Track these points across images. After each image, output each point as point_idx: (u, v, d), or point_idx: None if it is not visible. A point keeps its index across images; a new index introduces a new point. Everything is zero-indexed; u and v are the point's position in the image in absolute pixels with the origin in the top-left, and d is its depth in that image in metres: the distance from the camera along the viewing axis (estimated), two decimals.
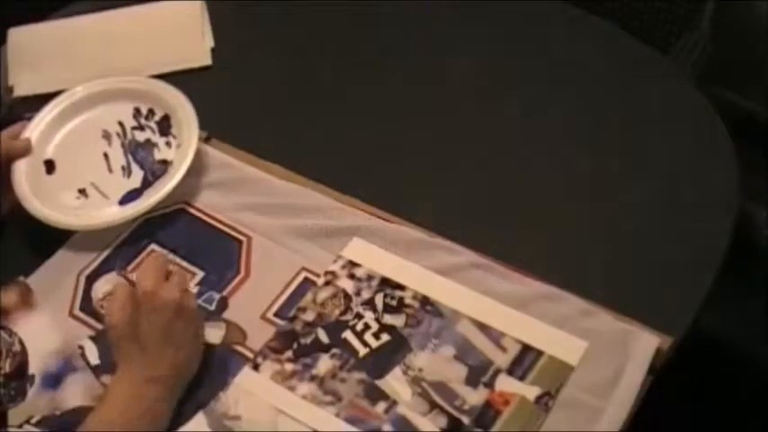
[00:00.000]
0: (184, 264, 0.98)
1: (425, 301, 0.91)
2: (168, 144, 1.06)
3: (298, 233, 0.98)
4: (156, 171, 1.04)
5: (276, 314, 0.93)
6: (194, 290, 0.95)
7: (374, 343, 0.89)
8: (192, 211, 1.03)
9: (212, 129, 1.13)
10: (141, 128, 1.08)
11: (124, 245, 1.01)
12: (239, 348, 0.91)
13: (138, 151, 1.06)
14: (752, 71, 1.40)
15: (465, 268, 0.93)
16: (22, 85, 1.20)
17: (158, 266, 0.89)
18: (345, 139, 1.09)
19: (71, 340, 0.93)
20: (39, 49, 1.25)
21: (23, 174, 1.03)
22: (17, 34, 1.26)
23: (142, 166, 1.05)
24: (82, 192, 1.04)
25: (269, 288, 0.95)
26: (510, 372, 0.85)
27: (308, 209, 1.00)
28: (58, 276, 0.99)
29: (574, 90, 1.10)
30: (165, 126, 1.07)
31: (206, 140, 1.08)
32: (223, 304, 0.95)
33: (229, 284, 0.96)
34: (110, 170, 1.06)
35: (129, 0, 1.27)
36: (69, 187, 1.04)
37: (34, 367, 0.92)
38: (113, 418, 0.82)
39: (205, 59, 1.21)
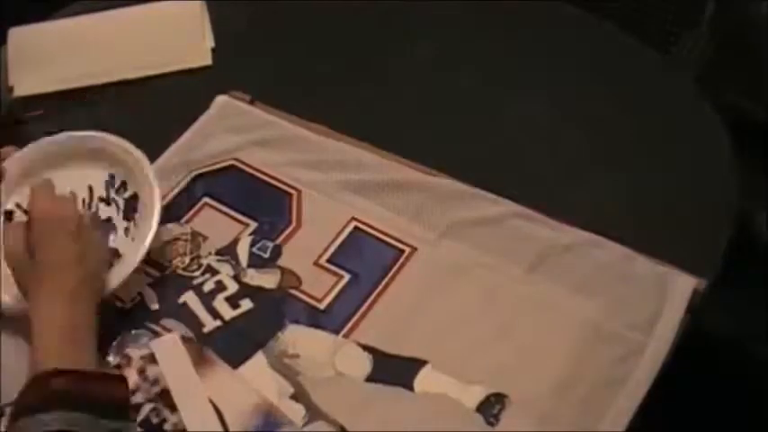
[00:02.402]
0: (237, 215, 1.01)
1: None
2: (126, 230, 0.98)
3: (345, 186, 1.02)
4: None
5: (328, 260, 0.96)
6: (248, 239, 0.99)
7: None
8: (242, 166, 1.06)
9: None
10: (108, 202, 1.01)
11: (179, 197, 1.04)
12: (295, 292, 0.94)
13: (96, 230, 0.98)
14: (752, 71, 1.40)
15: (508, 217, 0.97)
16: (22, 85, 1.20)
17: (48, 188, 0.89)
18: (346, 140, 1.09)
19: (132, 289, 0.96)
20: (39, 49, 1.25)
21: None
22: (17, 34, 1.26)
23: None
24: None
25: (320, 237, 0.98)
26: None
27: (354, 164, 1.04)
28: None
29: (574, 90, 1.10)
30: (130, 208, 0.99)
31: (250, 102, 1.12)
32: (277, 252, 0.98)
33: (282, 234, 0.99)
34: None
35: (129, 0, 1.27)
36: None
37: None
38: (55, 344, 0.80)
39: (205, 59, 1.21)
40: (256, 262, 0.97)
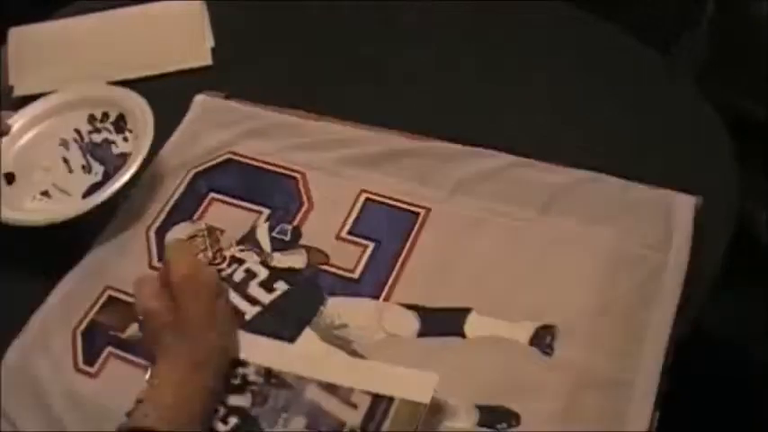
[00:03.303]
0: (248, 205, 1.03)
1: (269, 374, 0.87)
2: (126, 140, 1.07)
3: (346, 163, 1.04)
4: (117, 164, 1.04)
5: (349, 233, 0.98)
6: (265, 225, 1.00)
7: (223, 428, 0.84)
8: (239, 158, 1.07)
9: None
10: (97, 131, 1.09)
11: (183, 198, 1.05)
12: (325, 267, 0.96)
13: (96, 151, 1.07)
14: (752, 71, 1.40)
15: (509, 168, 1.00)
16: (22, 85, 1.20)
17: (187, 252, 0.90)
18: None
19: None
20: (39, 49, 1.25)
21: None
22: (17, 34, 1.26)
23: (102, 162, 1.06)
24: (44, 194, 1.05)
25: (335, 213, 1.00)
26: (363, 429, 0.82)
27: (349, 140, 1.06)
28: (126, 235, 1.02)
29: (574, 90, 1.10)
30: (120, 125, 1.08)
31: (225, 98, 1.14)
32: (297, 234, 0.99)
33: (297, 216, 1.01)
34: (70, 171, 1.06)
35: (129, 0, 1.27)
36: (31, 192, 1.05)
37: None
38: (167, 403, 0.80)
39: (205, 59, 1.21)
40: (279, 246, 0.98)
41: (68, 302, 0.97)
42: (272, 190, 1.04)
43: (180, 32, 1.25)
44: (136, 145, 1.04)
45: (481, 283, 0.92)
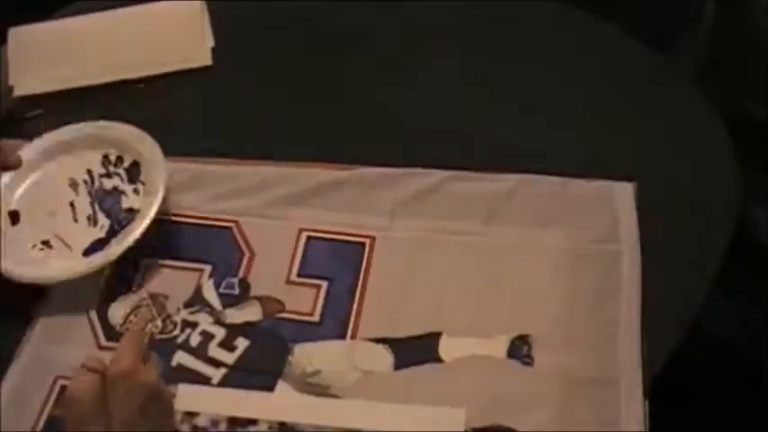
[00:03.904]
0: (187, 264, 0.99)
1: (283, 427, 0.85)
2: (136, 191, 1.03)
3: (278, 203, 1.01)
4: (122, 220, 1.01)
5: (299, 274, 0.96)
6: (210, 283, 0.96)
7: None
8: (169, 217, 1.02)
9: (212, 128, 1.13)
10: (109, 175, 1.06)
11: (118, 270, 0.99)
12: (282, 315, 0.94)
13: (105, 200, 1.04)
14: (752, 71, 1.40)
15: (441, 184, 1.00)
16: (22, 85, 1.20)
17: (136, 345, 0.82)
18: (346, 139, 1.09)
19: None
20: (39, 48, 1.25)
21: None
22: (17, 34, 1.26)
23: (108, 215, 1.02)
24: (45, 243, 1.01)
25: (279, 256, 0.97)
26: None
27: (274, 181, 1.03)
28: (65, 320, 0.96)
29: (573, 90, 1.10)
30: (133, 173, 1.05)
31: None
32: (245, 285, 0.96)
33: (241, 266, 0.98)
34: (75, 220, 1.03)
35: (130, 0, 1.27)
36: (32, 239, 1.01)
37: None
38: None
39: (205, 59, 1.21)
40: (230, 301, 0.95)
41: (19, 403, 0.90)
42: (208, 244, 0.99)
43: (180, 32, 1.25)
44: (145, 204, 1.00)
45: (444, 304, 0.91)
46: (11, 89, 1.20)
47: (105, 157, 1.07)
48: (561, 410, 0.82)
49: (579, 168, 1.02)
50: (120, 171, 1.06)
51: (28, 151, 1.06)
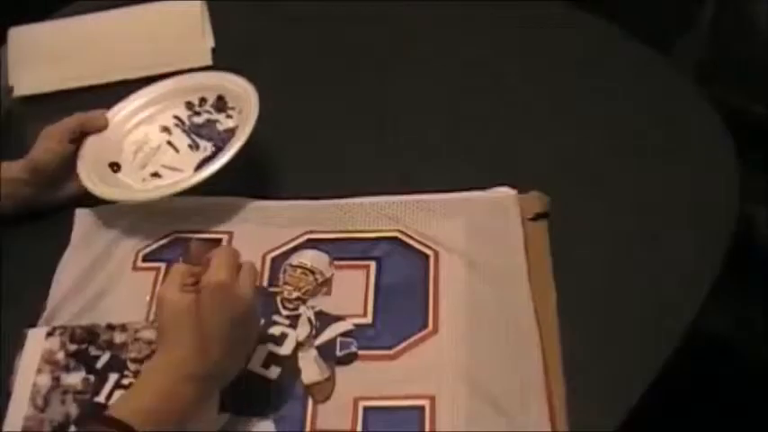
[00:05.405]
0: None
1: None
2: (229, 116, 1.06)
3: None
4: (224, 139, 1.03)
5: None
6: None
7: None
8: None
9: None
10: (198, 114, 1.08)
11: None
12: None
13: (201, 130, 1.06)
14: (752, 71, 1.40)
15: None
16: (22, 85, 1.20)
17: (232, 259, 0.82)
18: (346, 140, 1.09)
19: None
20: (39, 49, 1.25)
21: (89, 171, 1.01)
22: (17, 34, 1.26)
23: (210, 139, 1.05)
24: (155, 175, 1.03)
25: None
26: None
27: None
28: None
29: (574, 90, 1.10)
30: (221, 105, 1.07)
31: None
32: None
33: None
34: (177, 151, 1.05)
35: (129, 0, 1.27)
36: (140, 175, 1.03)
37: None
38: (143, 406, 0.77)
39: (205, 59, 1.21)
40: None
41: None
42: None
43: (180, 32, 1.25)
44: (241, 118, 1.02)
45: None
46: (11, 89, 1.20)
47: (188, 103, 1.08)
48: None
49: (576, 167, 1.02)
50: (208, 108, 1.08)
51: (113, 112, 1.07)
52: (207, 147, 1.04)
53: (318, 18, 1.23)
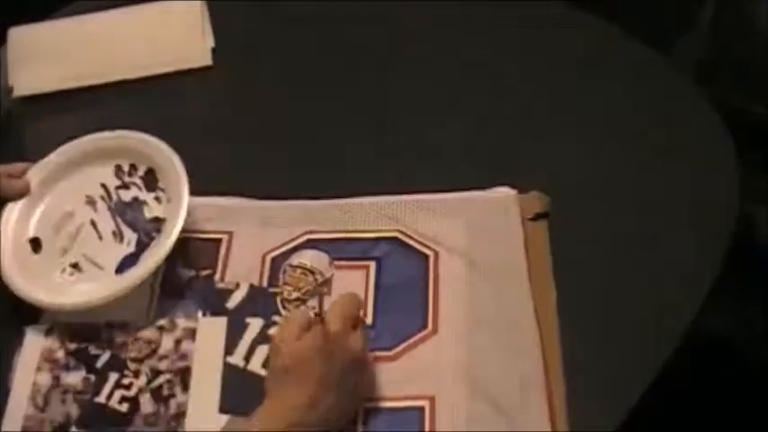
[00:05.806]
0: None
1: None
2: (158, 200, 0.99)
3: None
4: (149, 231, 0.97)
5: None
6: None
7: None
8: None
9: (212, 129, 1.13)
10: (126, 186, 1.01)
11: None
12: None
13: (126, 212, 0.99)
14: (752, 71, 1.40)
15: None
16: (22, 86, 1.20)
17: (350, 311, 0.84)
18: (346, 140, 1.09)
19: None
20: (39, 49, 1.25)
21: (9, 254, 0.96)
22: (17, 34, 1.26)
23: (134, 229, 0.98)
24: (74, 266, 0.97)
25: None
26: None
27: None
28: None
29: (574, 90, 1.10)
30: (150, 180, 1.00)
31: None
32: None
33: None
34: (100, 238, 0.98)
35: (129, 0, 1.27)
36: (60, 264, 0.97)
37: None
38: None
39: (205, 59, 1.21)
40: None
41: None
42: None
43: (180, 32, 1.24)
44: (170, 211, 0.96)
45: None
46: (11, 89, 1.20)
47: (118, 167, 1.02)
48: None
49: (576, 167, 1.02)
50: (136, 180, 1.01)
51: (35, 174, 1.01)
52: (131, 240, 0.97)
53: (318, 18, 1.23)
